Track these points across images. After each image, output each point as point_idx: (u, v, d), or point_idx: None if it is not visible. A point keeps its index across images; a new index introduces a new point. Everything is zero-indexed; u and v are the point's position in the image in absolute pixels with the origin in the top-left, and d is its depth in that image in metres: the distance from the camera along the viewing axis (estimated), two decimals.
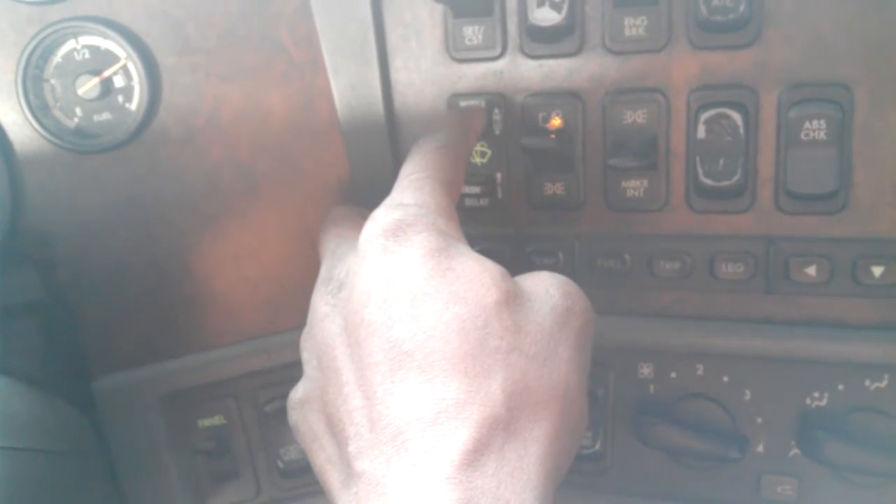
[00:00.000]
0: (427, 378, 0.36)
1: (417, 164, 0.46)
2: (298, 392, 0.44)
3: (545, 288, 0.40)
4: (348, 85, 0.57)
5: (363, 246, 0.40)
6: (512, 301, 0.38)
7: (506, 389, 0.36)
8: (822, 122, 0.49)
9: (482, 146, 0.56)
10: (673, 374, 0.56)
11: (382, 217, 0.40)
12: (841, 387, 0.53)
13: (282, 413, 0.63)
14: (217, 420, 0.64)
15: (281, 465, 0.65)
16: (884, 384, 0.52)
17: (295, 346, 0.52)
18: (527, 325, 0.38)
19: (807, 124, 0.49)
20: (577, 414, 0.39)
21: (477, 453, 0.34)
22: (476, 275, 0.38)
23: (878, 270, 0.50)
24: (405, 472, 0.34)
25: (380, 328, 0.37)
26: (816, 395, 0.54)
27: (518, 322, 0.38)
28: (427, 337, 0.36)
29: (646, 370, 0.57)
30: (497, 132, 0.56)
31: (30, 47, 0.57)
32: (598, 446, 0.59)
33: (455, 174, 0.47)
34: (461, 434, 0.34)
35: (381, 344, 0.37)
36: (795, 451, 0.55)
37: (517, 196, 0.56)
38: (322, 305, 0.42)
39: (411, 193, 0.43)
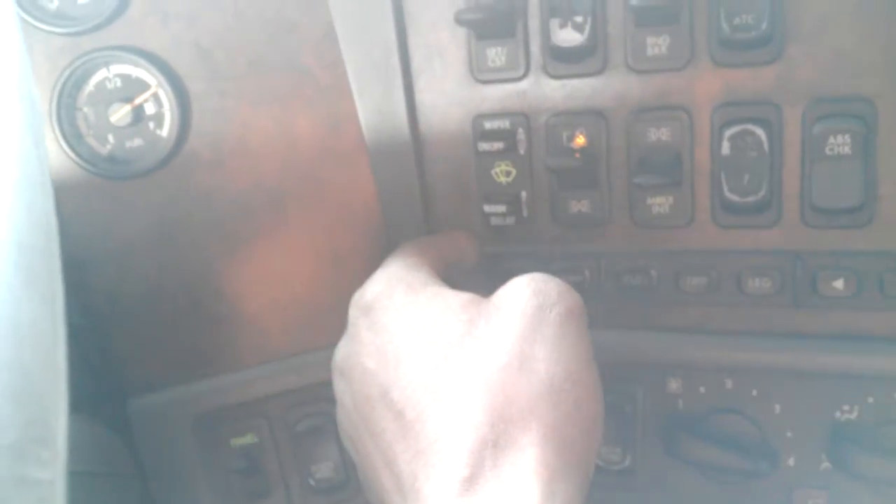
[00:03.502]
0: (410, 423, 0.39)
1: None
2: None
3: (515, 293, 0.42)
4: (374, 108, 0.58)
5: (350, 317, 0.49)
6: (476, 323, 0.41)
7: (486, 409, 0.37)
8: (846, 136, 0.49)
9: (507, 165, 0.57)
10: (702, 389, 0.57)
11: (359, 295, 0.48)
12: (871, 399, 0.53)
13: (313, 432, 0.63)
14: (249, 439, 0.65)
15: (313, 482, 0.65)
16: None
17: (324, 366, 0.53)
18: (496, 338, 0.40)
19: (831, 139, 0.49)
20: (576, 401, 0.40)
21: (473, 479, 0.36)
22: (439, 314, 0.42)
23: None
24: None
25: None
26: (846, 408, 0.54)
27: (486, 340, 0.40)
28: (406, 386, 0.41)
29: (674, 385, 0.57)
30: (521, 152, 0.56)
31: (63, 77, 0.59)
32: (627, 462, 0.59)
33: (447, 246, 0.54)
34: (454, 467, 0.36)
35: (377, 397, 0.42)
36: (826, 464, 0.55)
37: (542, 214, 0.57)
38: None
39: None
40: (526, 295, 0.42)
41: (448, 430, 0.38)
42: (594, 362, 0.43)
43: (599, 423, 0.42)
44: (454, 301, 0.43)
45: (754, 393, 0.55)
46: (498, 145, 0.56)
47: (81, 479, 0.56)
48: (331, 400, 0.53)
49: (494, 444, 0.37)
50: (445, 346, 0.41)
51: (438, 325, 0.42)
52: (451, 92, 0.57)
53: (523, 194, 0.57)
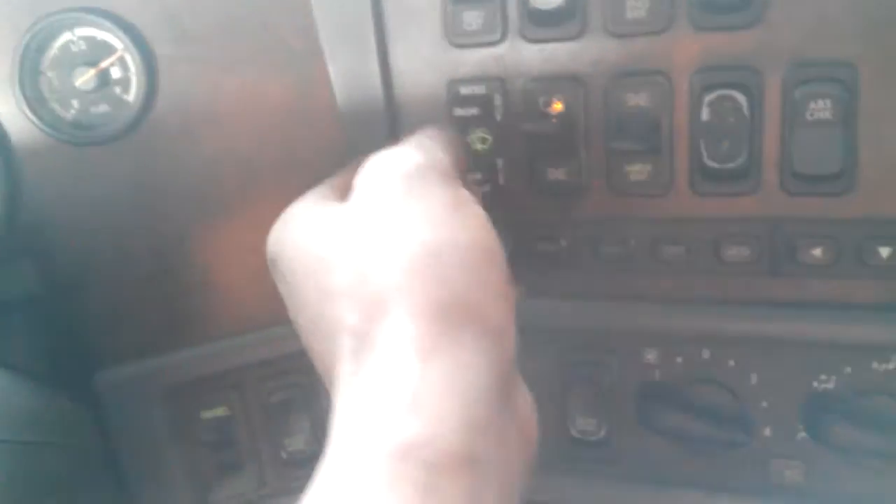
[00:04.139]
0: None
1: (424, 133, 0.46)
2: None
3: (363, 173, 0.40)
4: (347, 73, 0.57)
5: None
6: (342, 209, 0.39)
7: (353, 291, 0.35)
8: (827, 101, 0.48)
9: (483, 132, 0.56)
10: (679, 359, 0.56)
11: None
12: (848, 369, 0.53)
13: (285, 404, 0.63)
14: (220, 411, 0.64)
15: (285, 455, 0.64)
16: (891, 366, 0.52)
17: (297, 337, 0.52)
18: (353, 224, 0.38)
19: (812, 104, 0.48)
20: (452, 264, 0.36)
21: (358, 354, 0.34)
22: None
23: (885, 251, 0.50)
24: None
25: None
26: (824, 377, 0.53)
27: (346, 228, 0.38)
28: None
29: (651, 356, 0.57)
30: (498, 118, 0.55)
31: (25, 39, 0.57)
32: (603, 433, 0.59)
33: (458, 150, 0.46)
34: (344, 344, 0.35)
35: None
36: (803, 434, 0.54)
37: (519, 181, 0.56)
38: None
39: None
40: (373, 169, 0.40)
41: (331, 310, 0.36)
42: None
43: (492, 283, 0.37)
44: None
45: (731, 363, 0.55)
46: (474, 111, 0.55)
47: (46, 450, 0.55)
48: (303, 371, 0.52)
49: (370, 318, 0.34)
50: (319, 233, 0.39)
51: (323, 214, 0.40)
52: (425, 56, 0.56)
53: (499, 161, 0.56)
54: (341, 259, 0.37)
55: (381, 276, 0.35)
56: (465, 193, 0.38)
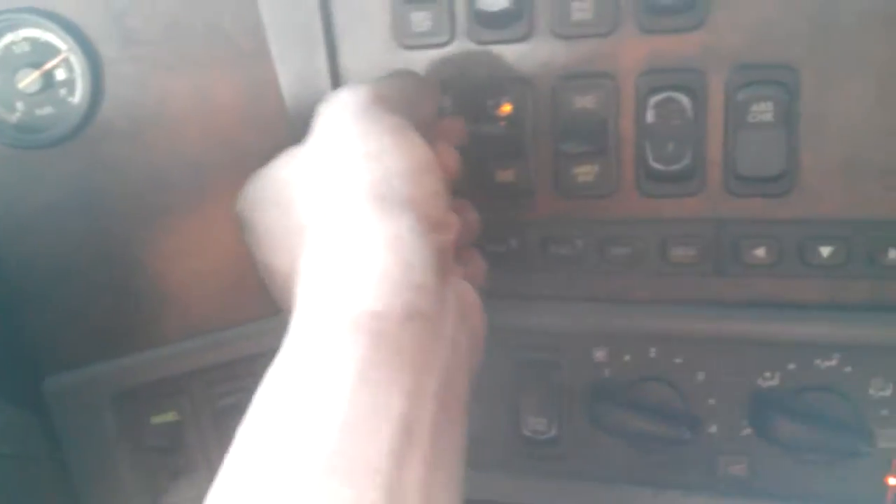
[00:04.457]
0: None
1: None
2: None
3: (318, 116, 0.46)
4: (296, 74, 0.56)
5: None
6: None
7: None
8: (769, 104, 0.49)
9: None
10: (627, 358, 0.57)
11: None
12: (791, 366, 0.54)
13: (236, 408, 0.62)
14: (170, 416, 0.63)
15: None
16: (833, 363, 0.53)
17: (247, 341, 0.51)
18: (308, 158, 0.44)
19: (754, 106, 0.49)
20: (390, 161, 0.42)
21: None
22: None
23: (825, 251, 0.51)
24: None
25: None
26: (768, 374, 0.54)
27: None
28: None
29: (600, 355, 0.57)
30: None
31: None
32: (553, 431, 0.59)
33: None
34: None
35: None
36: (748, 430, 0.55)
37: (468, 183, 0.56)
38: None
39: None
40: (325, 109, 0.45)
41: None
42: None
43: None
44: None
45: (678, 361, 0.56)
46: None
47: None
48: (253, 375, 0.52)
49: (325, 217, 0.41)
50: (282, 172, 0.46)
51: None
52: (374, 58, 0.56)
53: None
54: (302, 187, 0.43)
55: (336, 193, 0.41)
56: (405, 122, 0.43)
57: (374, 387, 0.35)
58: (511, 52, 0.53)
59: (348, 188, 0.41)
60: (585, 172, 0.53)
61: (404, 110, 0.45)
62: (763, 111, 0.49)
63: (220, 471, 0.34)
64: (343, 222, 0.40)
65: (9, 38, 0.57)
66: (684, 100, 0.50)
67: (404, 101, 0.46)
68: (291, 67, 0.56)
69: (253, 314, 0.58)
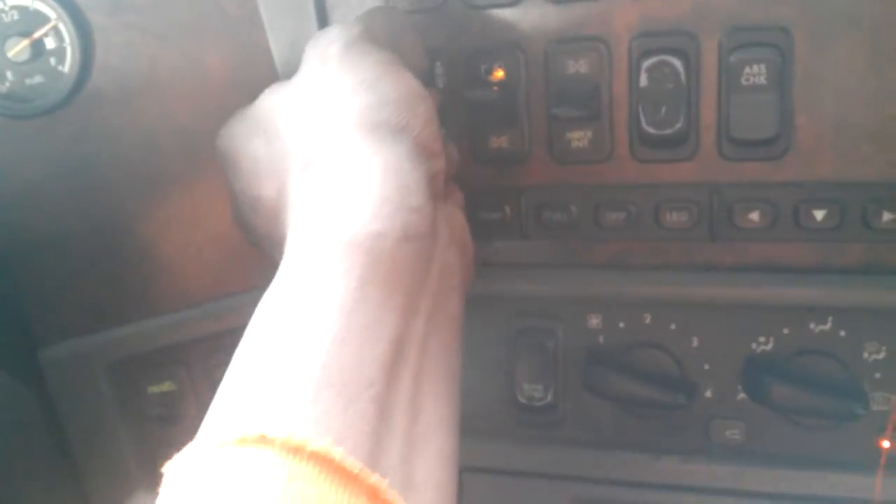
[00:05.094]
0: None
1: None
2: None
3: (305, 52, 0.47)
4: (287, 40, 0.56)
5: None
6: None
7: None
8: (762, 66, 0.48)
9: None
10: (621, 324, 0.57)
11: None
12: (786, 330, 0.54)
13: None
14: (167, 386, 0.63)
15: None
16: (827, 327, 0.53)
17: (243, 310, 0.51)
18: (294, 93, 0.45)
19: (747, 69, 0.49)
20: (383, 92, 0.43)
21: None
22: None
23: (819, 214, 0.50)
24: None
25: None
26: (762, 339, 0.54)
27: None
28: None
29: (594, 321, 0.57)
30: (440, 85, 0.55)
31: None
32: (549, 398, 0.59)
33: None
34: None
35: None
36: (742, 395, 0.55)
37: (461, 150, 0.55)
38: None
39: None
40: (312, 46, 0.46)
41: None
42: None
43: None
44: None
45: (672, 327, 0.56)
46: None
47: None
48: None
49: (313, 143, 0.42)
50: (268, 106, 0.46)
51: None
52: None
53: (442, 130, 0.56)
54: (290, 115, 0.44)
55: (330, 121, 0.42)
56: (393, 56, 0.44)
57: (369, 303, 0.36)
58: (503, 17, 0.53)
59: (342, 116, 0.41)
60: (579, 138, 0.53)
61: (393, 47, 0.46)
62: (756, 74, 0.49)
63: (219, 386, 0.35)
64: (338, 148, 0.41)
65: None
66: (677, 63, 0.50)
67: (393, 38, 0.48)
68: (283, 35, 0.56)
69: (249, 283, 0.58)
